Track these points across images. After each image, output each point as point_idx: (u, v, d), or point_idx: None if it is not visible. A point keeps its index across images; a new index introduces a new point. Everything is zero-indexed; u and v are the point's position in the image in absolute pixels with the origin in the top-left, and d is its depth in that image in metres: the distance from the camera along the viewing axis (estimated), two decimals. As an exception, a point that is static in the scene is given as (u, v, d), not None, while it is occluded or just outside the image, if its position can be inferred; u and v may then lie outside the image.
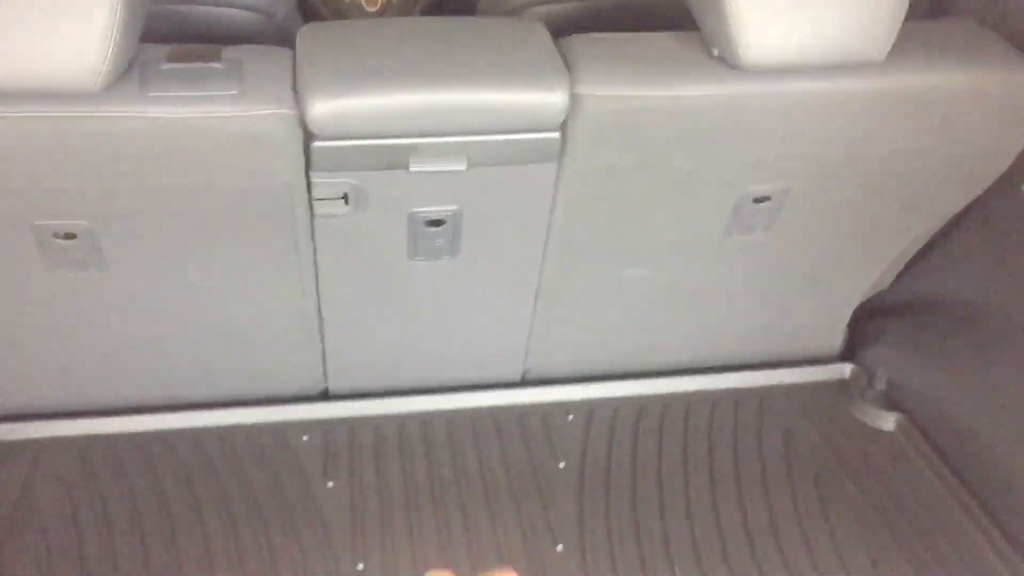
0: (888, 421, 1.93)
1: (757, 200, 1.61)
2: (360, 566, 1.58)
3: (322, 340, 1.77)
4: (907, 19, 1.37)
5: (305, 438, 1.82)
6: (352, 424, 1.85)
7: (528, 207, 1.55)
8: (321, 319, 1.71)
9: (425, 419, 1.88)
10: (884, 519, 1.72)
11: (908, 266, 1.93)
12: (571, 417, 1.90)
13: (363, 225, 1.51)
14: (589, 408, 1.92)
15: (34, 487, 1.69)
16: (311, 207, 1.46)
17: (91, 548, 1.59)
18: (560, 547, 1.64)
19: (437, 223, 1.53)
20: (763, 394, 1.98)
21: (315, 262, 1.58)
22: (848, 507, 1.75)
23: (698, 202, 1.60)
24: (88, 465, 1.73)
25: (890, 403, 1.96)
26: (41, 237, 1.44)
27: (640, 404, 1.93)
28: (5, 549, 1.57)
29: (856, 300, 1.99)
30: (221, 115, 1.30)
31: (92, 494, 1.68)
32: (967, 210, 1.74)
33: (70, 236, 1.45)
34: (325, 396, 1.91)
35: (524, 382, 1.97)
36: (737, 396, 1.97)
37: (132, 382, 1.79)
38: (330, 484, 1.73)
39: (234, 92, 1.31)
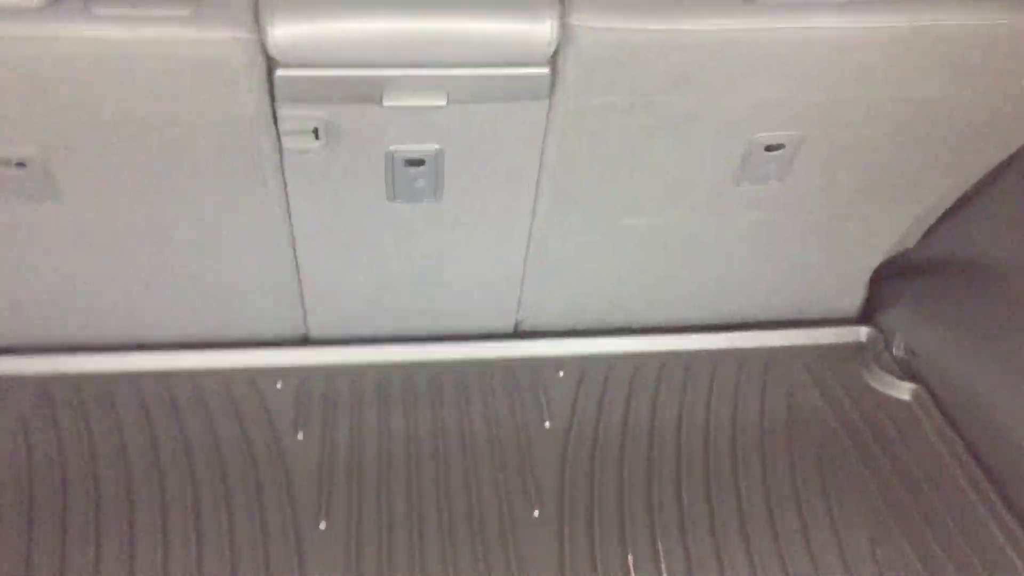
0: (903, 391, 1.79)
1: (769, 148, 1.47)
2: (323, 525, 1.50)
3: (299, 284, 1.66)
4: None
5: (279, 385, 1.72)
6: (330, 373, 1.75)
7: (516, 149, 1.42)
8: (297, 262, 1.60)
9: (407, 370, 1.77)
10: (888, 497, 1.60)
11: (936, 224, 1.78)
12: (562, 373, 1.79)
13: (337, 163, 1.39)
14: (582, 365, 1.81)
15: (-8, 426, 1.62)
16: (279, 142, 1.34)
17: (42, 490, 1.51)
18: (537, 512, 1.54)
19: (417, 163, 1.41)
20: (769, 356, 1.85)
21: (287, 202, 1.47)
22: (851, 482, 1.62)
23: (702, 148, 1.46)
24: (48, 404, 1.65)
25: (907, 371, 1.82)
26: None
27: (636, 362, 1.81)
28: None
29: (876, 259, 1.84)
30: (172, 38, 1.18)
31: (50, 434, 1.60)
32: (1004, 166, 1.58)
33: (20, 164, 1.35)
34: (305, 343, 1.81)
35: (514, 335, 1.85)
36: (741, 357, 1.84)
37: (98, 320, 1.69)
38: (300, 435, 1.64)
39: (186, 12, 1.18)
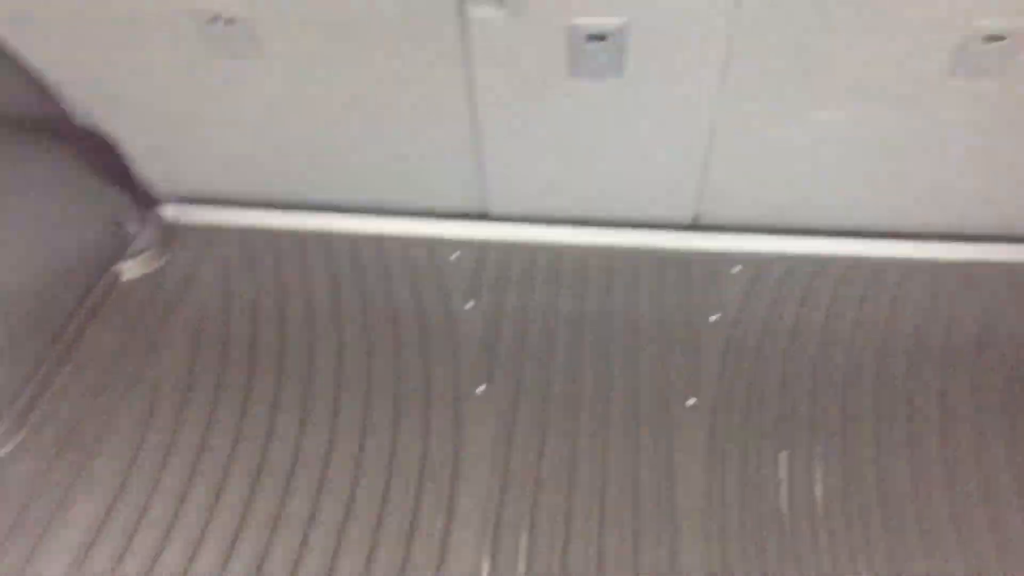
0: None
1: (989, 39, 1.33)
2: (480, 388, 1.56)
3: (480, 158, 1.69)
4: None
5: (455, 256, 1.79)
6: (504, 249, 1.79)
7: (704, 28, 1.36)
8: (478, 136, 1.63)
9: (580, 253, 1.78)
10: None
11: None
12: (737, 270, 1.74)
13: (520, 35, 1.40)
14: (759, 263, 1.75)
15: (200, 267, 1.78)
16: (464, 8, 1.36)
17: (237, 328, 1.66)
18: (693, 400, 1.53)
19: (600, 38, 1.39)
20: (967, 270, 1.72)
21: (470, 73, 1.49)
22: None
23: (910, 34, 1.34)
24: (248, 254, 1.79)
25: None
26: (200, 21, 1.44)
27: (817, 265, 1.74)
28: (169, 319, 1.68)
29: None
30: None
31: (248, 281, 1.74)
32: None
33: (229, 22, 1.45)
34: (484, 218, 1.86)
35: (692, 226, 1.81)
36: (934, 269, 1.72)
37: (295, 180, 1.81)
38: (469, 305, 1.70)
39: None
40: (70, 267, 1.68)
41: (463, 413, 1.53)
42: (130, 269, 1.76)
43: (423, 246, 1.80)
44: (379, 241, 1.82)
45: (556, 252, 1.79)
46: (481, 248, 1.80)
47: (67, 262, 1.68)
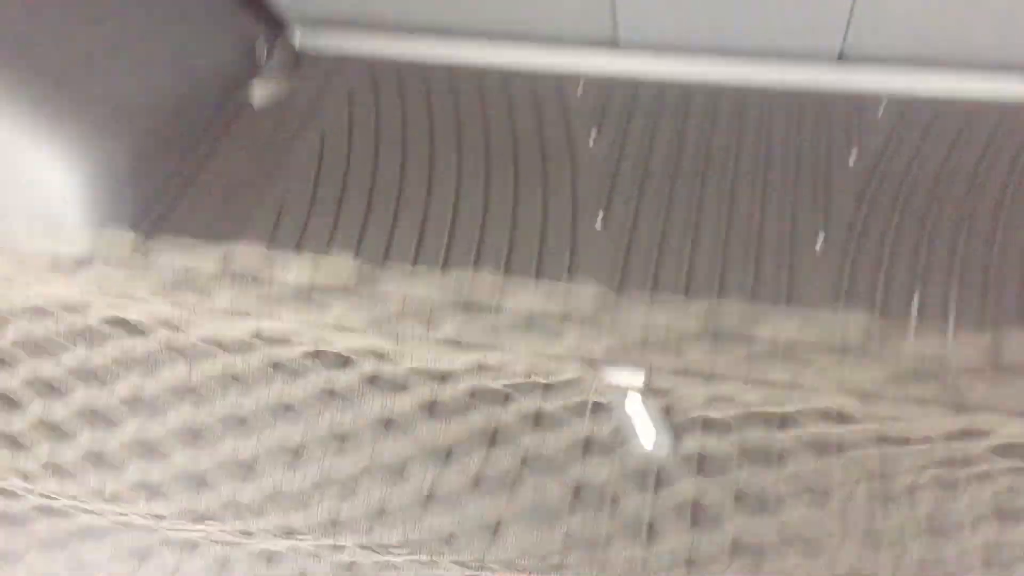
0: None
1: None
2: (599, 224, 1.52)
3: None
4: None
5: (580, 90, 1.72)
6: (631, 84, 1.72)
7: None
8: None
9: (712, 90, 1.69)
10: None
11: None
12: (882, 111, 1.62)
13: None
14: (907, 103, 1.62)
15: (326, 95, 1.78)
16: None
17: (358, 155, 1.66)
18: (821, 237, 1.45)
19: None
20: None
21: None
22: None
23: None
24: (371, 82, 1.78)
25: None
26: None
27: (971, 107, 1.59)
28: (293, 145, 1.70)
29: None
30: None
31: (371, 110, 1.74)
32: None
33: None
34: (613, 45, 1.77)
35: (837, 58, 1.68)
36: None
37: (420, 6, 1.77)
38: (592, 139, 1.64)
39: None
40: (200, 88, 1.71)
41: (579, 245, 1.50)
42: (259, 93, 1.78)
43: (549, 79, 1.75)
44: (504, 74, 1.77)
45: (685, 90, 1.70)
46: (607, 83, 1.73)
47: (197, 83, 1.71)
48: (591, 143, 1.64)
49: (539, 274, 1.46)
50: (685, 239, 1.48)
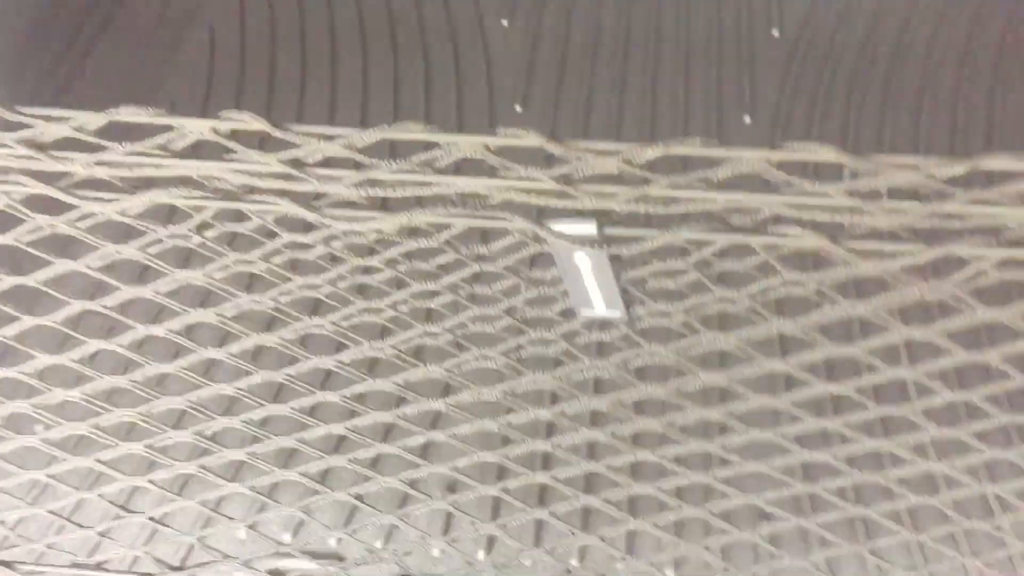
0: None
1: None
2: (519, 108, 1.44)
3: None
4: None
5: None
6: None
7: None
8: None
9: None
10: None
11: None
12: None
13: None
14: None
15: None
16: None
17: (253, 43, 1.53)
18: (748, 119, 1.40)
19: None
20: None
21: None
22: None
23: None
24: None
25: None
26: None
27: None
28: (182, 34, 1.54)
29: None
30: None
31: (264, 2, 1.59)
32: None
33: None
34: None
35: None
36: None
37: None
38: (505, 22, 1.54)
39: None
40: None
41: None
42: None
43: None
44: None
45: None
46: None
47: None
48: (504, 24, 1.54)
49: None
50: (610, 123, 1.41)
